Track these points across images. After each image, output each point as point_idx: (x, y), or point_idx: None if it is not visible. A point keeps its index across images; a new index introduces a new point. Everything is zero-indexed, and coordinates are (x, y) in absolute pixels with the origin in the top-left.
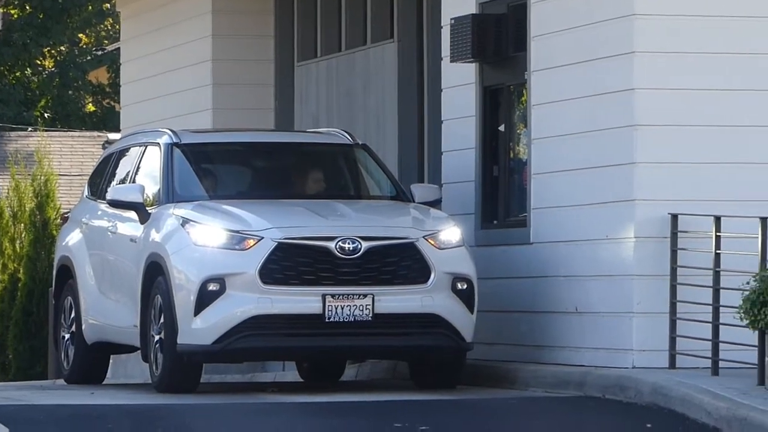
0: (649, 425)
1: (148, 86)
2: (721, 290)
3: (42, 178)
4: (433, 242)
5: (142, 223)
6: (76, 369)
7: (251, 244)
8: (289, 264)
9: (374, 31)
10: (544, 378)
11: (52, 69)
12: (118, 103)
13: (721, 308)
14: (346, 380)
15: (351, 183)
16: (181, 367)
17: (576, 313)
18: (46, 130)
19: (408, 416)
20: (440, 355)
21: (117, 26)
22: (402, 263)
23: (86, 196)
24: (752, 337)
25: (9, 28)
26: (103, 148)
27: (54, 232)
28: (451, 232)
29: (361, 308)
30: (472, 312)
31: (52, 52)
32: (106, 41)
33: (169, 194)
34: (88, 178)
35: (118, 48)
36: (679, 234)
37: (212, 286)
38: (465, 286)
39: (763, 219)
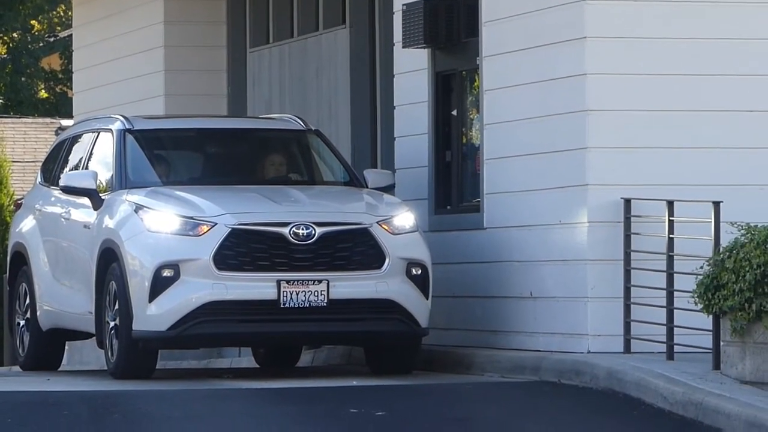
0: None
1: (100, 72)
2: (675, 275)
3: None
4: (386, 227)
5: (95, 209)
6: (32, 355)
7: (205, 230)
8: (243, 250)
9: (326, 16)
10: (499, 363)
11: (5, 56)
12: (71, 89)
13: (675, 293)
14: (302, 366)
15: (304, 169)
16: (136, 354)
17: (530, 298)
18: None
19: (364, 402)
20: (395, 340)
21: (69, 12)
22: (356, 249)
23: (39, 182)
24: (707, 321)
25: None
26: (56, 134)
27: (8, 218)
28: (405, 218)
29: (315, 294)
30: (426, 297)
31: (5, 38)
32: (58, 27)
33: (122, 180)
34: (41, 164)
35: (71, 34)
36: (632, 219)
37: (167, 272)
38: (419, 272)
39: (715, 203)
